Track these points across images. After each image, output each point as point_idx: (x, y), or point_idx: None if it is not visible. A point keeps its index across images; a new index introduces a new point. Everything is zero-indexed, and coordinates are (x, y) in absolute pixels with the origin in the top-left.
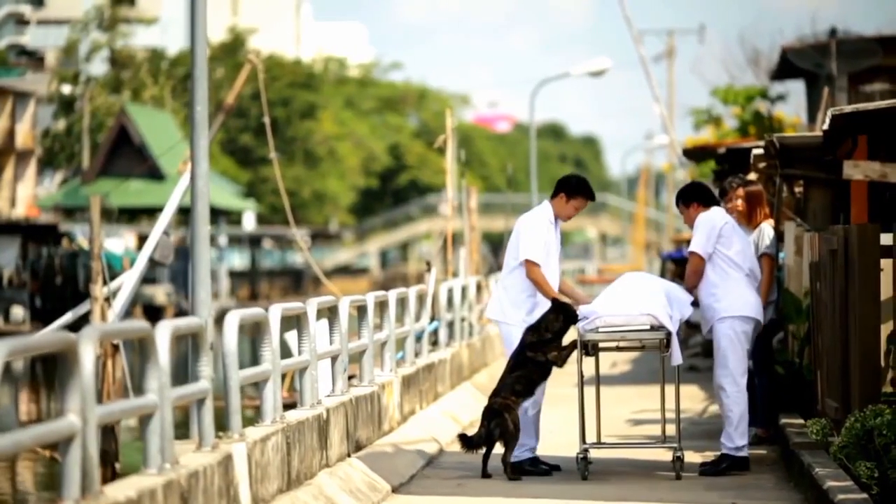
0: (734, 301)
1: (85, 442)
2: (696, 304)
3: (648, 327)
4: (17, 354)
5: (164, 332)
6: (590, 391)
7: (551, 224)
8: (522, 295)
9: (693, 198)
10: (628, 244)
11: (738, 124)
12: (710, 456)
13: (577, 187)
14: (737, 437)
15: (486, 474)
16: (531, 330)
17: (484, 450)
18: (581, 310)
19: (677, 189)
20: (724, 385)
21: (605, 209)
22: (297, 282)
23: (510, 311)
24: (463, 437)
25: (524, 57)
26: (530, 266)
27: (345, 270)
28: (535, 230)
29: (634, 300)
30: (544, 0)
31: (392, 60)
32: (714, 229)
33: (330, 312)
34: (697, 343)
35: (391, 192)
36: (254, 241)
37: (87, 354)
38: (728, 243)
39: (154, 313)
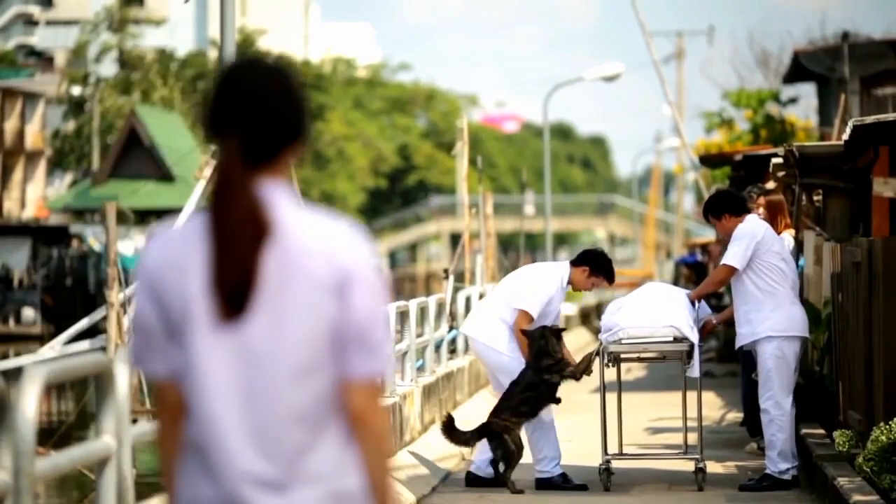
0: (782, 319)
1: (120, 463)
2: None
3: (671, 339)
4: (55, 379)
5: None
6: (609, 399)
7: (562, 289)
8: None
9: (723, 209)
10: (637, 245)
11: (750, 127)
12: (730, 466)
13: (601, 267)
14: (780, 462)
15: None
16: (544, 354)
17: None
18: (604, 322)
19: (688, 191)
20: (767, 408)
21: (614, 210)
22: None
23: (508, 345)
24: (447, 423)
25: (531, 57)
26: (524, 316)
27: None
28: (546, 289)
29: (657, 311)
30: (550, 0)
31: (400, 61)
32: (754, 240)
33: None
34: (712, 348)
35: (400, 193)
36: None
37: (122, 378)
38: (772, 254)
39: None
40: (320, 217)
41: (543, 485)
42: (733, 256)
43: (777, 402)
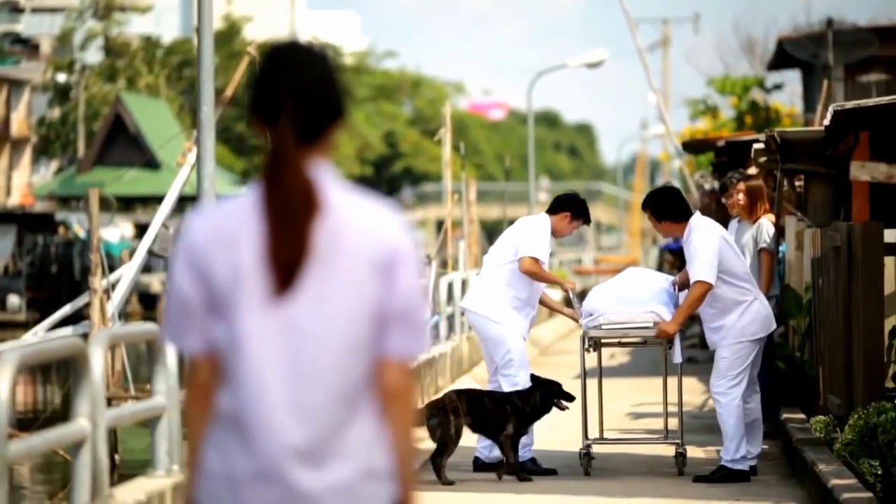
0: (748, 324)
1: (95, 446)
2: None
3: (651, 325)
4: (29, 362)
5: None
6: (590, 384)
7: (550, 239)
8: (522, 296)
9: (665, 214)
10: (623, 232)
11: (735, 114)
12: (711, 451)
13: (582, 210)
14: (733, 450)
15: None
16: (520, 397)
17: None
18: (585, 307)
19: (673, 178)
20: (718, 397)
21: (600, 197)
22: None
23: (509, 314)
24: None
25: (517, 45)
26: (533, 262)
27: None
28: (544, 235)
29: (637, 297)
30: None
31: (386, 49)
32: (713, 252)
33: None
34: (695, 334)
35: (386, 180)
36: None
37: (97, 360)
38: (730, 259)
39: (149, 301)
40: (364, 198)
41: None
42: (703, 271)
43: (725, 391)
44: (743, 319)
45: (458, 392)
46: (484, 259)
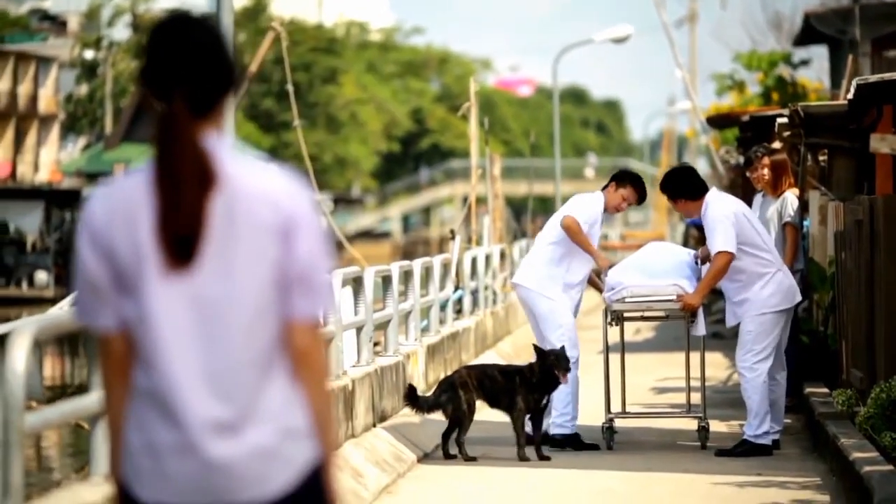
0: (771, 295)
1: None
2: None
3: (675, 298)
4: (45, 334)
5: None
6: (614, 359)
7: (602, 215)
8: (575, 271)
9: (679, 193)
10: (650, 208)
11: (762, 90)
12: (734, 426)
13: (637, 183)
14: (756, 425)
15: (447, 454)
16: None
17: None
18: (608, 280)
19: (700, 155)
20: (744, 371)
21: None
22: None
23: (560, 290)
24: (411, 393)
25: (543, 21)
26: (573, 222)
27: (367, 235)
28: (591, 204)
29: (661, 270)
30: None
31: (413, 25)
32: (730, 221)
33: (354, 282)
34: (721, 309)
35: (413, 157)
36: None
37: None
38: (749, 231)
39: None
40: (260, 166)
41: (559, 442)
42: (724, 242)
43: (751, 366)
44: (766, 290)
45: (469, 367)
46: (537, 237)
